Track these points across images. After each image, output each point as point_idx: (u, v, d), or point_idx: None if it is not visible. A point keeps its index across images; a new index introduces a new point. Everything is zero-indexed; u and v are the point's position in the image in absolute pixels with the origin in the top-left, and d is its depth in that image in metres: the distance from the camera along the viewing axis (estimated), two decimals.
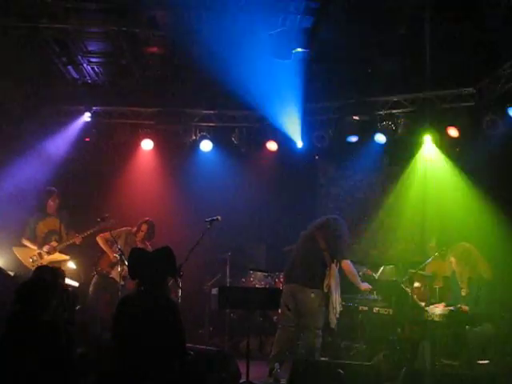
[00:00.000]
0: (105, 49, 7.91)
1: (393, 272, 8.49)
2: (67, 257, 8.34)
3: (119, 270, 7.65)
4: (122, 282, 7.70)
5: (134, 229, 8.45)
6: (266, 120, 9.70)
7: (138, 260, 5.15)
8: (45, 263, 8.23)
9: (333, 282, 7.24)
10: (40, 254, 8.26)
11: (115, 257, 8.07)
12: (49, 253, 8.29)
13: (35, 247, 8.30)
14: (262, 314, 8.66)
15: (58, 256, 8.32)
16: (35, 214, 8.46)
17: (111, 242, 8.20)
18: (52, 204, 8.44)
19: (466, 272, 6.52)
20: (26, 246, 8.31)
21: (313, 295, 7.04)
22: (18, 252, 8.25)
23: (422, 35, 7.11)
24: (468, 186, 9.04)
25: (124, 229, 8.36)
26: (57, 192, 8.49)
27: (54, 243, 8.31)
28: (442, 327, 6.25)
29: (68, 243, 8.36)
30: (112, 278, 8.10)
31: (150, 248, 8.29)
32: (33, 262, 8.23)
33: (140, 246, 8.23)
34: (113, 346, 4.58)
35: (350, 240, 7.36)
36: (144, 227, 8.41)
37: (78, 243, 8.37)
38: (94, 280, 8.29)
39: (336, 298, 7.27)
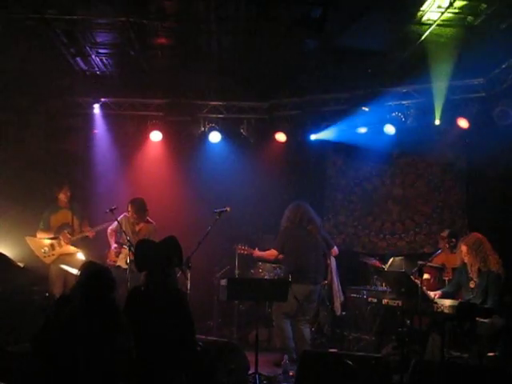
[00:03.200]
0: (113, 40, 7.89)
1: (402, 263, 8.48)
2: (78, 250, 8.37)
3: (128, 257, 7.61)
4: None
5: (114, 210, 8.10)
6: (275, 111, 9.70)
7: (143, 252, 5.16)
8: (56, 255, 8.31)
9: (334, 272, 7.53)
10: (52, 246, 8.33)
11: (115, 247, 8.13)
12: (60, 245, 8.33)
13: (50, 235, 8.34)
14: (271, 305, 8.67)
15: (69, 248, 8.37)
16: (48, 206, 8.51)
17: (117, 233, 8.25)
18: (63, 197, 8.48)
19: (477, 262, 6.49)
20: (39, 238, 8.37)
21: (319, 289, 7.31)
22: (31, 242, 8.33)
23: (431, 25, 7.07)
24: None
25: (122, 215, 8.25)
26: (68, 184, 8.51)
27: (67, 234, 8.36)
28: (451, 319, 6.22)
29: (81, 236, 8.41)
30: (119, 266, 8.12)
31: (153, 225, 8.29)
32: (44, 252, 8.30)
33: (137, 228, 8.19)
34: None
35: None
36: (130, 208, 8.22)
37: (90, 237, 8.41)
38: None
39: (338, 287, 7.58)
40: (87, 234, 8.38)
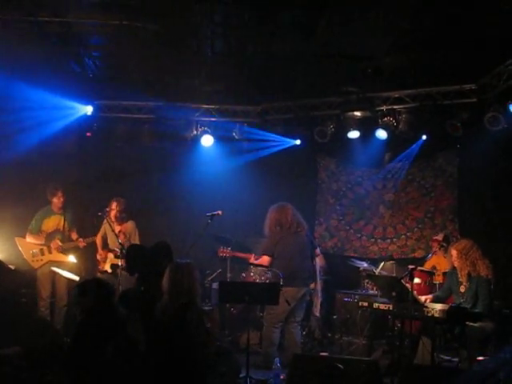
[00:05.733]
0: (106, 43, 7.89)
1: (393, 268, 8.53)
2: (67, 258, 8.33)
3: (119, 262, 7.61)
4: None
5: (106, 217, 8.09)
6: (267, 115, 9.72)
7: (135, 256, 5.17)
8: (45, 260, 8.25)
9: (317, 273, 7.61)
10: (42, 251, 8.27)
11: (100, 254, 8.14)
12: (50, 251, 8.29)
13: (40, 241, 8.29)
14: (262, 308, 8.68)
15: (58, 256, 8.32)
16: (41, 209, 8.48)
17: (103, 239, 8.28)
18: (57, 202, 8.44)
19: (466, 267, 6.53)
20: (29, 242, 8.32)
21: (309, 291, 7.37)
22: (21, 243, 8.28)
23: (424, 31, 7.09)
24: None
25: (105, 222, 8.27)
26: (62, 190, 8.48)
27: (58, 242, 8.31)
28: (441, 323, 6.26)
29: (72, 246, 8.37)
30: (106, 271, 8.11)
31: (133, 222, 8.29)
32: (33, 256, 8.23)
33: (117, 228, 8.17)
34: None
35: None
36: (115, 206, 8.22)
37: (81, 247, 8.38)
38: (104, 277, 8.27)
39: (319, 287, 7.84)
40: (78, 244, 8.35)
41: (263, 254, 7.46)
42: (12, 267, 8.16)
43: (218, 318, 7.11)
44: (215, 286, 8.45)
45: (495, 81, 8.01)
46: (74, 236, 8.48)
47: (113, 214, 8.17)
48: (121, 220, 8.23)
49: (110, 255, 7.98)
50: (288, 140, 9.82)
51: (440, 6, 6.50)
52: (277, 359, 6.91)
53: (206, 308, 5.39)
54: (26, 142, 8.78)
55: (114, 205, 8.17)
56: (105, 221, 8.14)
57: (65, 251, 8.35)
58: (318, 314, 8.05)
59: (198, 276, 5.10)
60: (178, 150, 9.92)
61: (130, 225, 8.29)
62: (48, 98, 8.91)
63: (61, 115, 9.25)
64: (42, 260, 8.25)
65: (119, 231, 8.13)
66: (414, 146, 9.35)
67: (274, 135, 9.77)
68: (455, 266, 6.68)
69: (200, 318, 4.58)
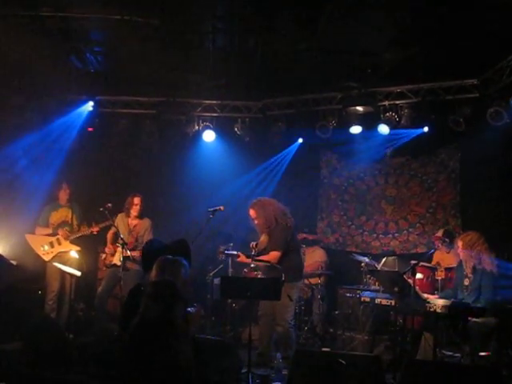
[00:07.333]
0: (108, 38, 7.88)
1: (395, 263, 8.52)
2: (78, 247, 8.34)
3: (120, 256, 7.59)
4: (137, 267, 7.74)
5: (124, 211, 8.24)
6: (269, 110, 9.71)
7: (153, 252, 5.14)
8: (55, 252, 8.29)
9: None
10: (51, 244, 8.31)
11: (108, 248, 8.14)
12: (59, 243, 8.31)
13: (48, 232, 8.35)
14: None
15: (68, 246, 8.33)
16: (48, 203, 8.52)
17: (115, 236, 8.27)
18: (63, 194, 8.50)
19: (471, 259, 6.51)
20: (39, 234, 8.34)
21: None
22: (30, 239, 8.33)
23: (426, 26, 7.08)
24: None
25: (119, 215, 8.30)
26: (66, 182, 8.52)
27: (66, 231, 8.33)
28: (444, 318, 6.24)
29: (84, 234, 8.37)
30: (115, 264, 8.10)
31: (149, 220, 8.28)
32: (44, 250, 8.28)
33: (132, 225, 8.19)
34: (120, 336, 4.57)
35: None
36: (138, 201, 8.20)
37: (95, 233, 8.37)
38: (108, 273, 8.26)
39: None
40: (92, 230, 8.35)
41: (275, 250, 7.01)
42: (14, 262, 8.16)
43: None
44: (217, 281, 8.44)
45: (497, 76, 8.00)
46: (85, 229, 8.47)
47: (137, 209, 8.16)
48: (140, 214, 8.24)
49: (119, 249, 7.96)
50: (292, 147, 9.97)
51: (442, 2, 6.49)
52: (278, 354, 6.91)
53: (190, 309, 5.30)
54: (27, 139, 8.82)
55: (137, 200, 8.16)
56: (118, 216, 8.17)
57: (73, 241, 8.36)
58: None
59: (185, 275, 5.01)
60: (179, 146, 9.91)
61: (145, 222, 8.28)
62: (50, 93, 8.94)
63: (62, 111, 9.25)
64: (52, 252, 8.30)
65: (134, 226, 8.16)
66: (413, 132, 9.27)
67: (277, 156, 10.05)
68: (460, 257, 6.66)
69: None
